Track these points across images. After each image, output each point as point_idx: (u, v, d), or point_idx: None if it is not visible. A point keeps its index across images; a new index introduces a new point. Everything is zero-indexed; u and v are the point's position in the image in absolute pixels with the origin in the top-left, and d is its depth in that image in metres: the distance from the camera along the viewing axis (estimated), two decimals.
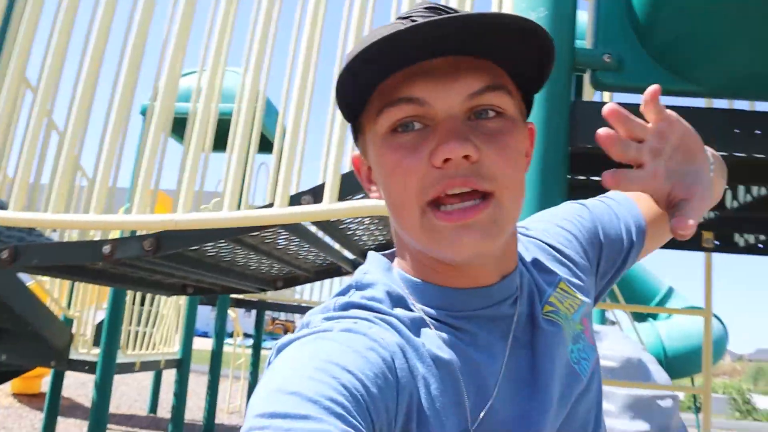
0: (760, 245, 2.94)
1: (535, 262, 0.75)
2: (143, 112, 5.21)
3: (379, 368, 0.55)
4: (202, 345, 13.32)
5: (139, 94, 3.32)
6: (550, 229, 0.81)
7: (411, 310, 0.64)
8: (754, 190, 2.07)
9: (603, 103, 1.76)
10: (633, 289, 8.54)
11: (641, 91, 1.64)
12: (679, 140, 0.64)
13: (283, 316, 29.67)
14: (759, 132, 1.50)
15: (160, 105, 2.13)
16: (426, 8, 0.63)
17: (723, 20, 1.49)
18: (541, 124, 1.51)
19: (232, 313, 9.33)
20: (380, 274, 0.67)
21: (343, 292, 0.66)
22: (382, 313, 0.62)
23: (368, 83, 0.62)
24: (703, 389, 2.98)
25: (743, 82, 1.58)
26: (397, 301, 0.64)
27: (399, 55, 0.59)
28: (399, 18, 0.64)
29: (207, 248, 2.21)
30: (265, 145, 5.77)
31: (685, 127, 0.64)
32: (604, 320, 7.87)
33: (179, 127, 3.33)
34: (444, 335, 0.62)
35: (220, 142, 3.02)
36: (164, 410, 9.43)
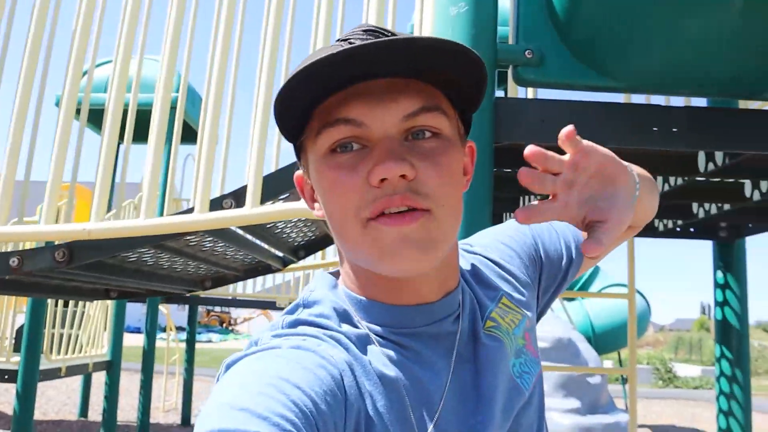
0: (678, 228, 3.06)
1: (478, 278, 0.77)
2: (58, 104, 4.93)
3: (328, 385, 0.56)
4: (135, 341, 12.94)
5: (55, 85, 3.15)
6: (492, 245, 0.83)
7: (357, 327, 0.65)
8: (671, 180, 2.13)
9: (525, 100, 1.76)
10: None
11: (562, 86, 1.65)
12: (596, 168, 0.64)
13: (218, 307, 29.17)
14: (675, 130, 1.53)
15: (67, 92, 2.00)
16: (364, 31, 0.64)
17: (640, 16, 1.51)
18: None
19: (163, 309, 9.08)
20: (326, 291, 0.69)
21: (291, 311, 0.68)
22: (330, 330, 0.63)
23: (307, 104, 0.64)
24: (628, 369, 3.08)
25: (661, 78, 1.61)
26: (344, 317, 0.66)
27: (337, 76, 0.60)
28: (338, 40, 0.66)
29: (127, 254, 2.11)
30: (193, 136, 5.59)
31: (602, 155, 0.64)
32: None
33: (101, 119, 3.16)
34: (389, 352, 0.64)
35: (144, 135, 2.88)
36: (96, 413, 9.12)
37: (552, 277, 0.86)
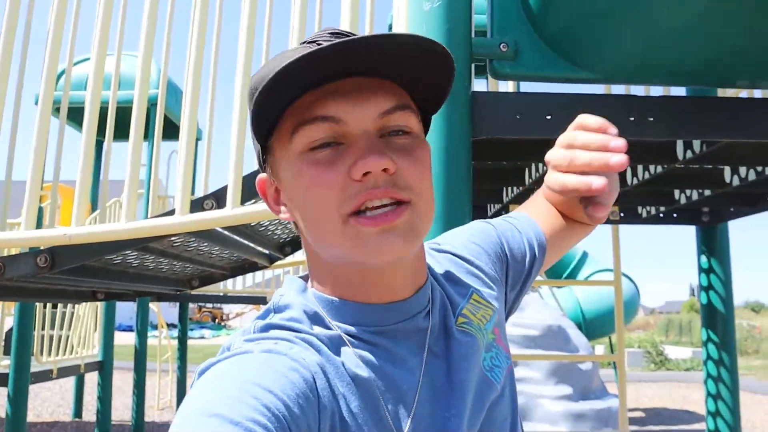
0: (661, 215, 3.08)
1: (448, 275, 0.79)
2: (37, 102, 4.87)
3: (301, 388, 0.56)
4: (127, 340, 12.90)
5: (34, 83, 3.11)
6: (460, 243, 0.85)
7: (328, 329, 0.65)
8: (651, 168, 2.15)
9: (502, 93, 1.76)
10: None
11: (538, 79, 1.65)
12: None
13: (210, 304, 29.11)
14: (651, 119, 1.54)
15: (43, 91, 1.98)
16: (330, 33, 0.66)
17: (612, 7, 1.51)
18: (443, 115, 1.50)
19: (154, 307, 9.05)
20: (296, 295, 0.68)
21: (262, 316, 0.68)
22: (302, 332, 0.64)
23: (280, 104, 0.64)
24: (617, 356, 3.11)
25: (635, 68, 1.61)
26: (315, 320, 0.66)
27: (314, 74, 0.61)
28: (304, 42, 0.67)
29: (111, 257, 2.09)
30: (177, 131, 5.55)
31: None
32: None
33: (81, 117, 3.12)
34: (361, 353, 0.64)
35: (126, 132, 2.84)
36: (90, 413, 9.09)
37: (518, 274, 0.89)
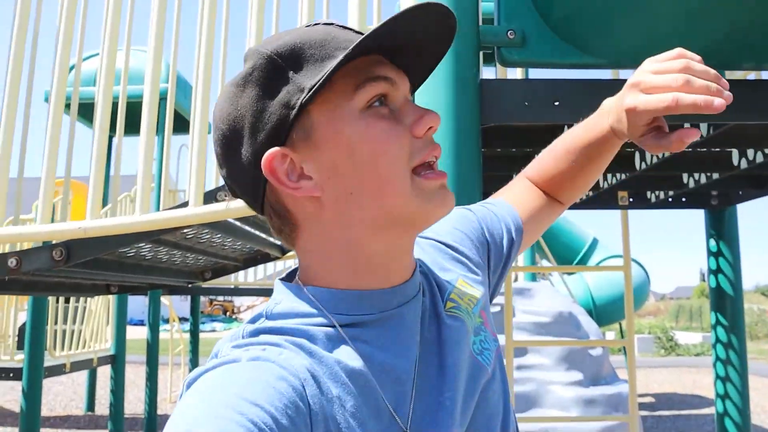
0: (670, 199, 3.09)
1: (434, 261, 0.80)
2: (47, 99, 4.91)
3: (290, 398, 0.55)
4: (139, 334, 13.00)
5: (44, 80, 3.14)
6: (443, 230, 0.87)
7: (326, 325, 0.64)
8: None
9: (510, 81, 1.77)
10: (559, 241, 8.85)
11: (546, 65, 1.66)
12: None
13: (221, 297, 29.24)
14: None
15: (55, 87, 2.01)
16: (336, 24, 0.69)
17: None
18: (452, 103, 1.51)
19: (165, 300, 9.12)
20: (290, 297, 0.67)
21: (252, 320, 0.66)
22: (293, 335, 0.62)
23: (351, 60, 0.64)
24: (627, 341, 3.13)
25: (641, 52, 1.61)
26: (311, 317, 0.65)
27: (391, 39, 0.64)
28: (325, 23, 0.69)
29: (125, 250, 2.12)
30: (187, 125, 5.57)
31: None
32: (535, 275, 8.15)
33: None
34: (360, 345, 0.64)
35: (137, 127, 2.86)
36: (103, 407, 9.18)
37: (498, 258, 0.91)
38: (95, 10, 2.50)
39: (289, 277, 0.73)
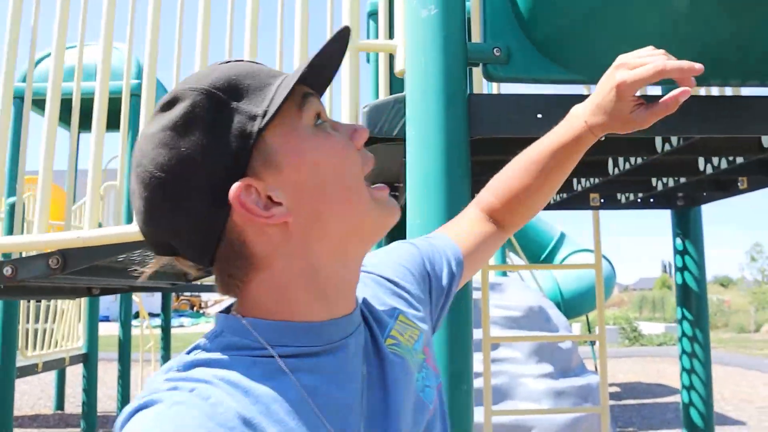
0: (639, 200, 3.22)
1: (375, 296, 0.80)
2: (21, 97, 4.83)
3: None
4: (106, 330, 12.82)
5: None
6: (384, 263, 0.87)
7: (265, 357, 0.62)
8: (632, 159, 2.27)
9: (496, 96, 1.86)
10: (528, 236, 9.02)
11: (529, 81, 1.74)
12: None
13: (188, 292, 28.97)
14: None
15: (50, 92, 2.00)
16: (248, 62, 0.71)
17: (597, 13, 1.62)
18: (442, 116, 1.59)
19: (136, 297, 9.03)
20: (229, 329, 0.64)
21: (189, 351, 0.64)
22: (228, 368, 0.60)
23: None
24: (598, 335, 3.25)
25: None
26: (248, 351, 0.62)
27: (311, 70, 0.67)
28: (235, 60, 0.71)
29: (117, 256, 2.15)
30: None
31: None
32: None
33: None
34: (303, 377, 0.63)
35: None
36: (72, 405, 9.08)
37: (439, 291, 0.91)
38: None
39: (228, 310, 0.70)
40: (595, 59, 1.69)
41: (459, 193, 1.57)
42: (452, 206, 1.53)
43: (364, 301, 0.77)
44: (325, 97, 2.14)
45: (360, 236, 0.68)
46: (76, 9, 2.33)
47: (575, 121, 0.97)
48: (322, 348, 0.65)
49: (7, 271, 1.75)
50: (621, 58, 0.92)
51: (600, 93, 0.93)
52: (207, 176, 0.61)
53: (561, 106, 1.70)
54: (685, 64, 0.87)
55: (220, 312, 0.68)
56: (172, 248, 0.66)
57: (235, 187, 0.61)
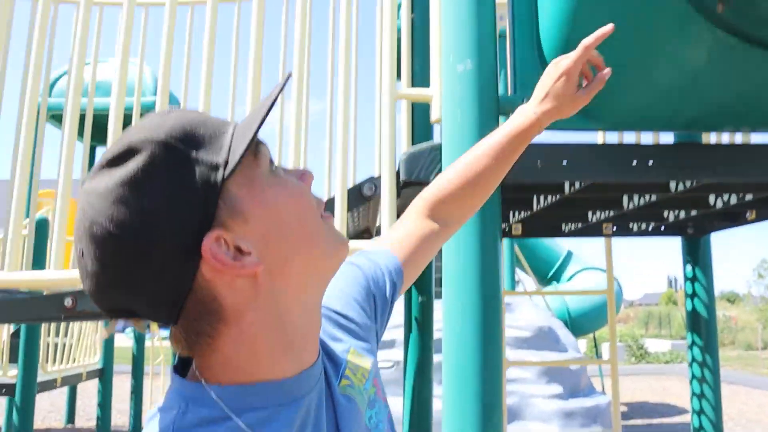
0: (650, 228, 3.34)
1: (325, 331, 0.79)
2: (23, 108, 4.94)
3: None
4: (117, 342, 12.81)
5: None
6: (331, 295, 0.85)
7: (227, 421, 0.62)
8: (646, 196, 2.40)
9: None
10: (535, 255, 9.14)
11: (554, 127, 1.88)
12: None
13: None
14: (651, 163, 1.79)
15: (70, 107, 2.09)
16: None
17: (617, 66, 1.74)
18: None
19: None
20: (195, 402, 0.63)
21: (151, 418, 0.63)
22: None
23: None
24: (611, 360, 3.36)
25: (637, 117, 1.86)
26: (221, 424, 0.62)
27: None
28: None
29: None
30: None
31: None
32: (514, 284, 8.40)
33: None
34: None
35: None
36: (82, 419, 9.11)
37: (383, 303, 0.94)
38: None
39: (184, 368, 0.69)
40: (617, 110, 1.83)
41: (491, 231, 1.69)
42: (486, 246, 1.66)
43: (320, 341, 0.75)
44: (366, 143, 2.26)
45: (321, 277, 0.69)
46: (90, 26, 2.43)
47: (526, 111, 1.11)
48: (293, 405, 0.66)
49: (68, 302, 1.85)
50: (553, 61, 1.10)
51: (546, 85, 1.09)
52: (174, 230, 0.59)
53: (585, 154, 1.84)
54: (598, 32, 1.08)
55: (176, 374, 0.66)
56: (129, 311, 0.62)
57: (207, 238, 0.60)
